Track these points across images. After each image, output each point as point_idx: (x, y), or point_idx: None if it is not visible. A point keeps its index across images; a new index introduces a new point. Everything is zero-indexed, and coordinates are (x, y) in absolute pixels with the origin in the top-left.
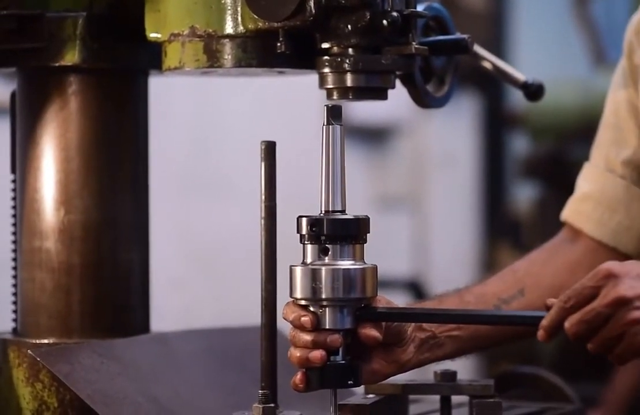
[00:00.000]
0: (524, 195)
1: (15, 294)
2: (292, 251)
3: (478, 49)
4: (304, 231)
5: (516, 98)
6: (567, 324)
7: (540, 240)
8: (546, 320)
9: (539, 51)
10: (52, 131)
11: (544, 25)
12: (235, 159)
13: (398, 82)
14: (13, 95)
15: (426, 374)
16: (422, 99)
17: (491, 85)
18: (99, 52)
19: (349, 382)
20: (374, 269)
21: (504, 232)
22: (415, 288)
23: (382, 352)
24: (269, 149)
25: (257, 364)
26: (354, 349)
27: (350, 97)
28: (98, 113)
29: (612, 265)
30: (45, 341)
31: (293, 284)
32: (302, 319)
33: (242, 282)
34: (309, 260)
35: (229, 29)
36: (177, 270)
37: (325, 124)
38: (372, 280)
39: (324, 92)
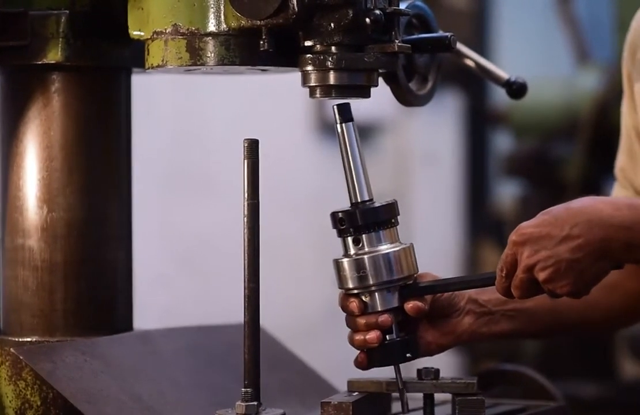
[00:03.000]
0: (507, 193)
1: None
2: (275, 248)
3: (461, 46)
4: (340, 226)
5: (499, 96)
6: (512, 292)
7: None
8: (497, 288)
9: (522, 49)
10: (35, 129)
11: (526, 23)
12: (218, 156)
13: (381, 80)
14: None
15: (409, 371)
16: (405, 97)
17: (474, 84)
18: (81, 50)
19: (407, 355)
20: (410, 247)
21: (487, 230)
22: None
23: (437, 325)
24: (252, 147)
25: (240, 361)
26: (408, 326)
27: (333, 95)
28: (81, 111)
29: (518, 231)
30: (28, 339)
31: (342, 276)
32: (350, 305)
33: (226, 280)
34: (351, 251)
35: (211, 26)
36: (161, 268)
37: (337, 122)
38: (411, 258)
39: (308, 90)
